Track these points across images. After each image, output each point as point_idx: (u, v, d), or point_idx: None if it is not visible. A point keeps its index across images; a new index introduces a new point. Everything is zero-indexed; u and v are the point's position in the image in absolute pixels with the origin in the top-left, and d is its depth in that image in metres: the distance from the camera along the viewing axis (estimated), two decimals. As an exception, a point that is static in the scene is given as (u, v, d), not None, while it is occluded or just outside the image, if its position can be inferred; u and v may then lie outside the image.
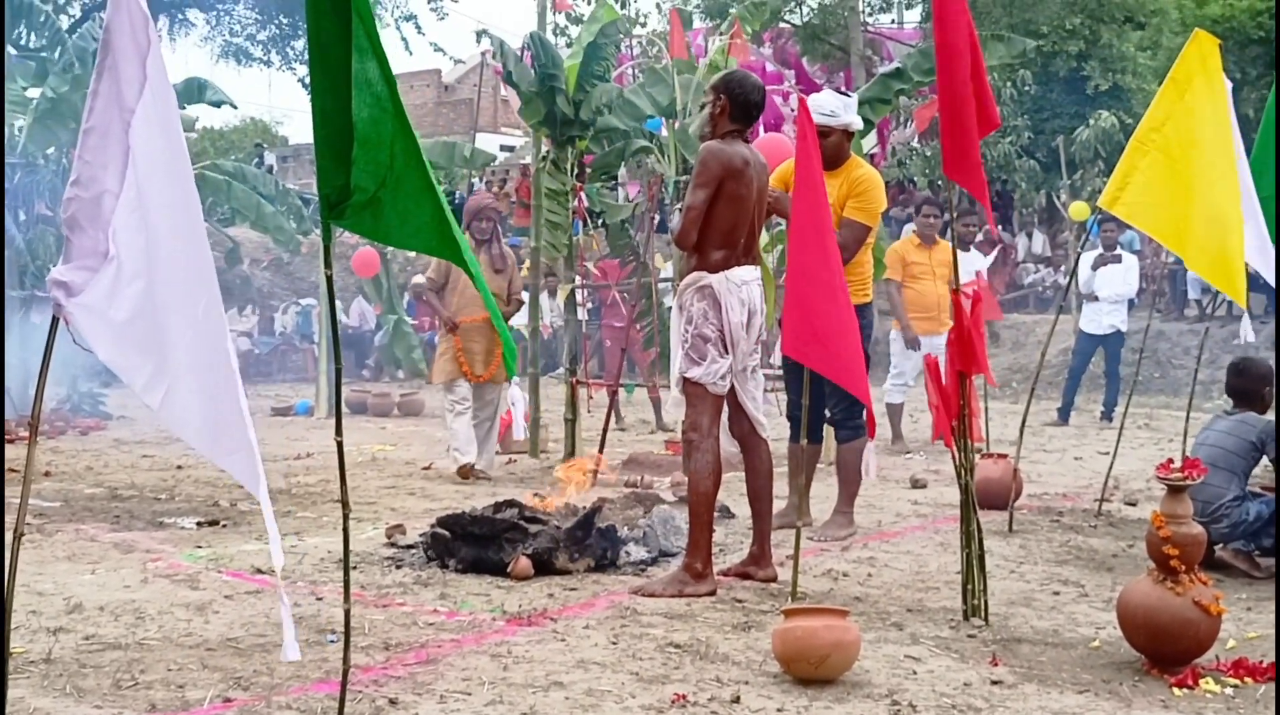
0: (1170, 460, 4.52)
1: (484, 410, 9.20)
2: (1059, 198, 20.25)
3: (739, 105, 5.60)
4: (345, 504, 3.92)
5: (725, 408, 5.67)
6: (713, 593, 5.35)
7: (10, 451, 10.36)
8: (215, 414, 3.34)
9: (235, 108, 15.34)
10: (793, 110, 22.58)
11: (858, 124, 6.86)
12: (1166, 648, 4.27)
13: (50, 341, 3.12)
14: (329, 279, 3.71)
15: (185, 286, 3.26)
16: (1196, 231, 6.32)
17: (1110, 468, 7.80)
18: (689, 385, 5.53)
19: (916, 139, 23.13)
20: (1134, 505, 7.85)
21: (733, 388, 5.61)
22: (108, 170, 3.05)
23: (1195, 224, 6.30)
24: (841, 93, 6.98)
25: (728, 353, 5.49)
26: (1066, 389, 13.25)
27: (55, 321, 3.05)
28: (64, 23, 13.42)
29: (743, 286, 5.49)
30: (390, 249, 16.60)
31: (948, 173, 5.21)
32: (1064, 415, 13.00)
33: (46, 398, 13.83)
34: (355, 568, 5.54)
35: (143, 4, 3.15)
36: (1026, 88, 22.08)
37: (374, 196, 3.50)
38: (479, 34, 10.49)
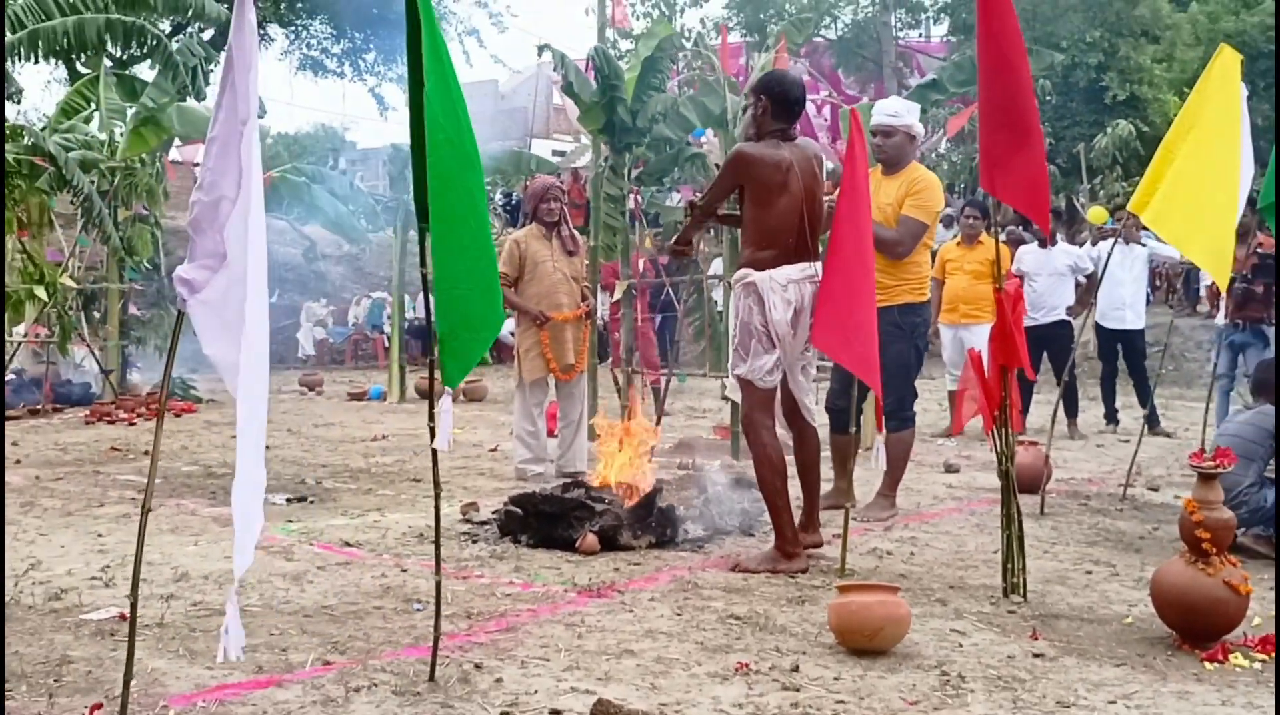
0: (1202, 449, 4.48)
1: (572, 409, 8.22)
2: (1079, 201, 20.08)
3: (779, 104, 5.47)
4: (436, 484, 3.98)
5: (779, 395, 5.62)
6: (805, 570, 5.31)
7: (112, 432, 10.52)
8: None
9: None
10: (825, 121, 22.47)
11: (919, 129, 6.80)
12: (1198, 624, 4.24)
13: (175, 334, 3.16)
14: (424, 278, 3.78)
15: (260, 295, 3.26)
16: (1205, 232, 6.25)
17: (1135, 454, 7.74)
18: (740, 380, 5.51)
19: (944, 145, 23.01)
20: (1156, 490, 7.77)
21: (785, 380, 5.55)
22: (226, 178, 3.07)
23: (1205, 226, 6.23)
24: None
25: (774, 347, 5.38)
26: (1104, 395, 11.48)
27: (180, 316, 3.09)
28: (164, 34, 13.56)
29: (789, 285, 5.35)
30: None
31: (984, 186, 5.12)
32: (1110, 418, 11.35)
33: (140, 382, 13.90)
34: (435, 542, 5.56)
35: (252, 20, 3.16)
36: (1048, 97, 21.95)
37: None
38: (540, 48, 10.49)
